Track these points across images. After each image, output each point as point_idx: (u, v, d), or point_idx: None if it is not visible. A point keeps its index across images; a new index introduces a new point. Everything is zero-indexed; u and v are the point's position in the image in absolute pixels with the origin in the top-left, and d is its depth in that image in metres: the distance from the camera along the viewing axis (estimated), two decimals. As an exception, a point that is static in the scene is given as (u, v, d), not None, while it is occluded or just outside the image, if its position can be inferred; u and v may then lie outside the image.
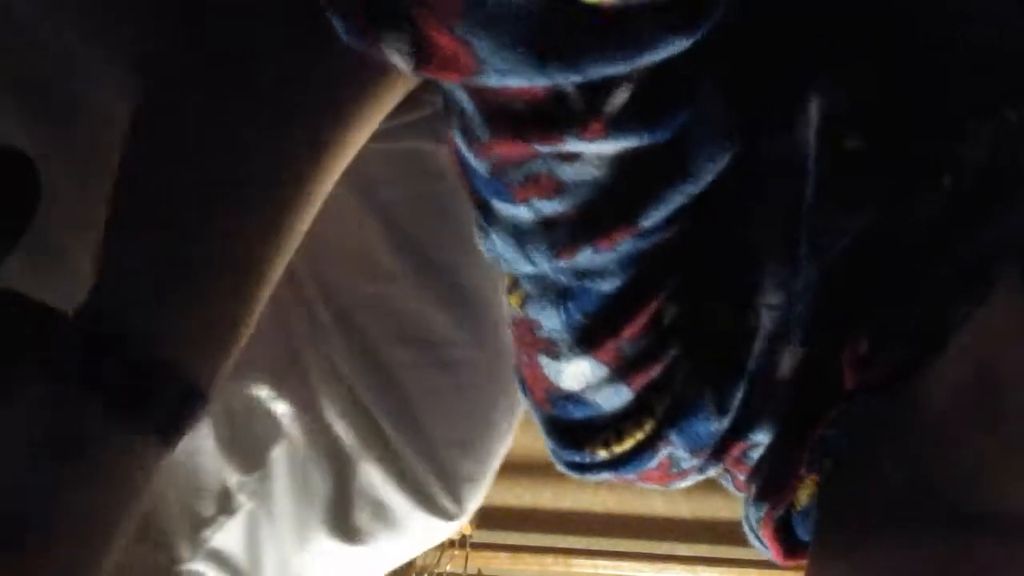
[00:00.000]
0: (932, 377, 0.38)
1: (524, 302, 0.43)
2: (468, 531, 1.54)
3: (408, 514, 0.58)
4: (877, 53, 0.38)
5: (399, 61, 0.34)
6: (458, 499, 0.59)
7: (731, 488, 0.49)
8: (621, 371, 0.42)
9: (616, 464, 0.45)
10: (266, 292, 0.41)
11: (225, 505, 0.53)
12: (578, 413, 0.45)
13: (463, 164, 0.40)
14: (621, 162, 0.37)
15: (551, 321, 0.42)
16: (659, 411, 0.44)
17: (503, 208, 0.39)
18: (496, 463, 0.61)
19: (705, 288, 0.42)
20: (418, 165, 0.52)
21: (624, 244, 0.39)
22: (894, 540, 0.36)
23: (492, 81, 0.33)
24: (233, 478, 0.54)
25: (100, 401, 0.36)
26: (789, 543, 0.44)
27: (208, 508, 0.53)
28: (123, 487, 0.37)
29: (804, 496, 0.42)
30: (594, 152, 0.36)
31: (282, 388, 0.55)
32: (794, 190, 0.39)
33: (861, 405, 0.40)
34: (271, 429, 0.55)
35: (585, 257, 0.39)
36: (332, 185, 0.42)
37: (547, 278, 0.41)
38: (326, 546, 0.58)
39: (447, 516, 0.59)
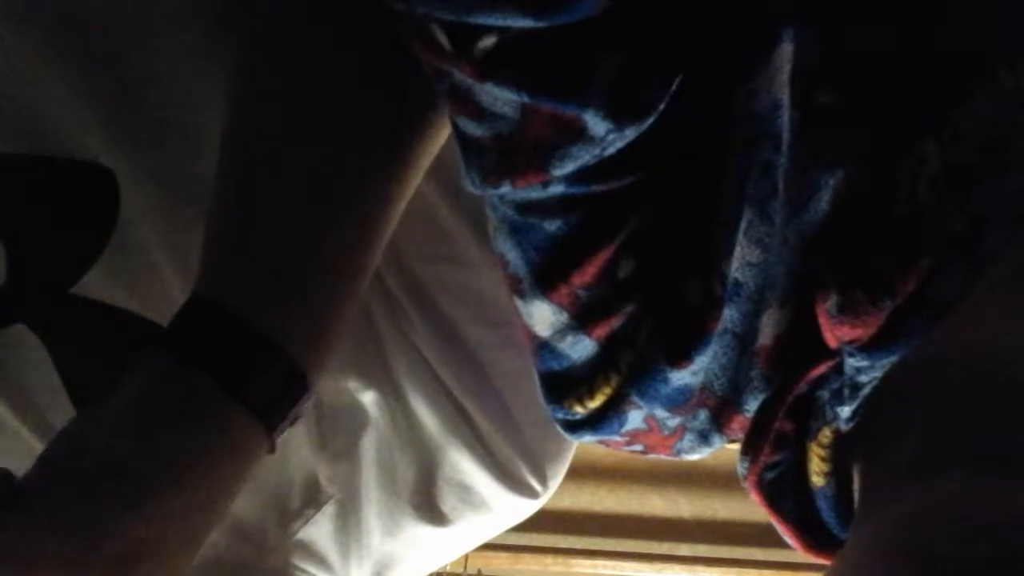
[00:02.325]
0: (945, 345, 0.37)
1: (494, 234, 0.44)
2: (468, 531, 1.53)
3: (495, 495, 0.59)
4: (859, 4, 0.37)
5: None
6: (543, 477, 0.60)
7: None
8: (580, 318, 0.43)
9: (593, 423, 0.46)
10: (361, 291, 0.44)
11: (313, 498, 0.54)
12: (555, 363, 0.46)
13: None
14: (525, 112, 0.37)
15: (512, 255, 0.43)
16: (623, 367, 0.44)
17: (456, 121, 0.40)
18: None
19: (671, 246, 0.43)
20: None
21: (553, 187, 0.39)
22: (917, 495, 0.36)
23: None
24: (321, 469, 0.54)
25: (208, 375, 0.39)
26: (804, 522, 0.44)
27: (295, 501, 0.54)
28: (233, 460, 0.39)
29: (816, 471, 0.42)
30: (488, 92, 0.37)
31: (369, 378, 0.56)
32: (769, 144, 0.39)
33: (855, 368, 0.39)
34: (359, 419, 0.56)
35: (507, 190, 0.40)
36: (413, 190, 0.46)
37: (501, 210, 0.42)
38: (415, 531, 0.58)
39: (533, 494, 0.60)
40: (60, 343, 0.45)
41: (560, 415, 0.47)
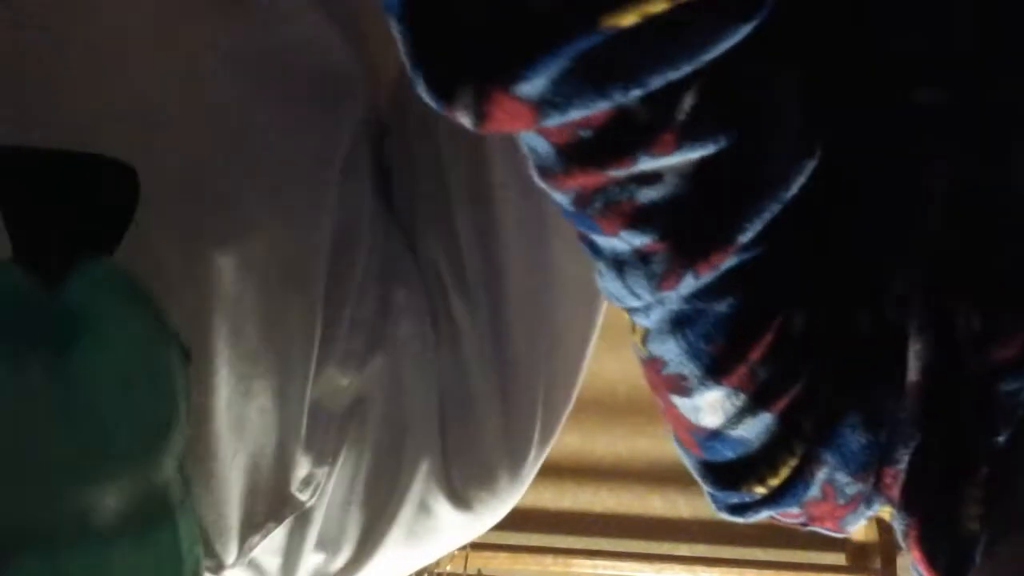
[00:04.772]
0: None
1: (644, 339, 0.40)
2: (468, 531, 1.53)
3: (448, 519, 0.59)
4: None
5: (465, 120, 0.33)
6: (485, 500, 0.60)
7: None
8: (759, 396, 0.39)
9: (775, 498, 0.42)
10: None
11: (276, 511, 0.52)
12: (728, 452, 0.42)
13: (553, 202, 0.38)
14: (700, 176, 0.34)
15: (673, 353, 0.39)
16: (808, 429, 0.40)
17: (600, 241, 0.37)
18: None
19: (836, 292, 0.40)
20: None
21: (725, 263, 0.36)
22: None
23: (554, 121, 0.32)
24: (299, 473, 0.52)
25: None
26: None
27: (260, 511, 0.51)
28: None
29: (971, 515, 0.38)
30: (670, 167, 0.34)
31: (367, 379, 0.56)
32: (910, 173, 0.37)
33: (1007, 393, 0.36)
34: (350, 421, 0.55)
35: (688, 285, 0.37)
36: None
37: (660, 308, 0.39)
38: (352, 547, 0.57)
39: (473, 512, 0.60)
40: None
41: (732, 499, 0.43)
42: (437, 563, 1.61)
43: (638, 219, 0.35)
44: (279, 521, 0.52)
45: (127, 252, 0.44)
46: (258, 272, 0.48)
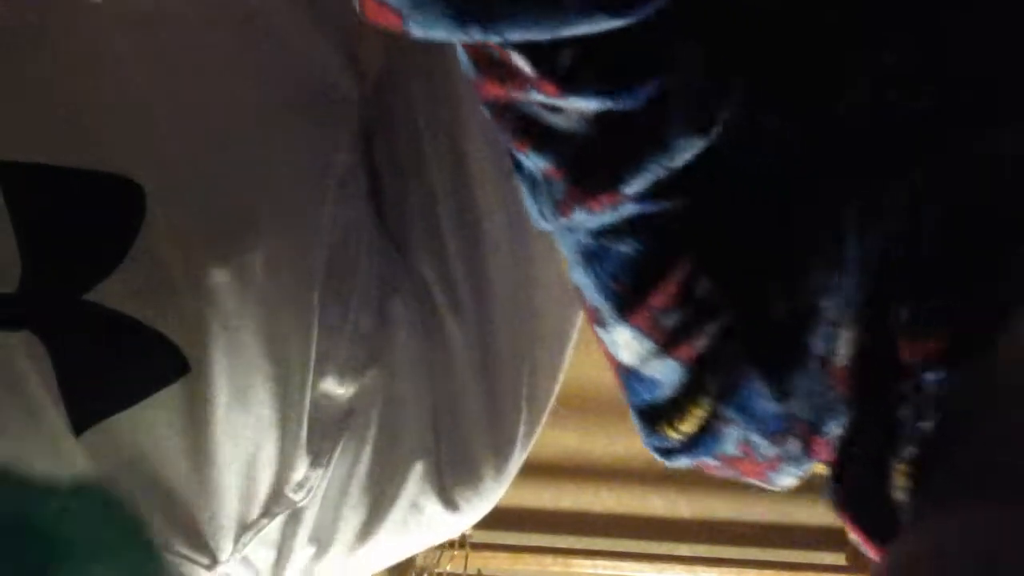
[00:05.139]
0: (1009, 353, 0.36)
1: (570, 268, 0.44)
2: (468, 531, 1.54)
3: (438, 518, 0.61)
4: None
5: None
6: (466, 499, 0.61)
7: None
8: (665, 343, 0.43)
9: (689, 447, 0.45)
10: None
11: (269, 509, 0.52)
12: (645, 392, 0.45)
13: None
14: (599, 123, 0.37)
15: (587, 285, 0.43)
16: (713, 389, 0.44)
17: (520, 158, 0.40)
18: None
19: (749, 266, 0.42)
20: None
21: (624, 208, 0.39)
22: (983, 505, 0.34)
23: (417, 34, 0.35)
24: (293, 476, 0.53)
25: None
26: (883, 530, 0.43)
27: (255, 511, 0.52)
28: None
29: (899, 487, 0.41)
30: (567, 107, 0.37)
31: (363, 382, 0.56)
32: (842, 162, 0.39)
33: (934, 383, 0.38)
34: (348, 422, 0.56)
35: (582, 217, 0.39)
36: None
37: (574, 239, 0.42)
38: (344, 550, 0.58)
39: (456, 509, 0.61)
40: (63, 349, 0.45)
41: (655, 443, 0.47)
42: (437, 563, 1.62)
43: (542, 142, 0.38)
44: (272, 518, 0.53)
45: (132, 261, 0.45)
46: (258, 285, 0.49)
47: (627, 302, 0.42)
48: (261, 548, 0.53)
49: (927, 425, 0.39)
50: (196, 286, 0.47)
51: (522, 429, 0.62)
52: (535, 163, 0.39)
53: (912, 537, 0.37)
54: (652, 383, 0.45)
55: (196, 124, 0.48)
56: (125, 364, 0.45)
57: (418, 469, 0.57)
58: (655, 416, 0.45)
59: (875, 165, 0.38)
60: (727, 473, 0.48)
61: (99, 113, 0.46)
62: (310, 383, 0.52)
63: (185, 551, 0.47)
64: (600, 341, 0.45)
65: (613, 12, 0.33)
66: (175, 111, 0.48)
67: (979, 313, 0.37)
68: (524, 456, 0.63)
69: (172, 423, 0.46)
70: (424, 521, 0.59)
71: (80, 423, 0.45)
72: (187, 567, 0.48)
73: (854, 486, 0.42)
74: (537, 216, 0.42)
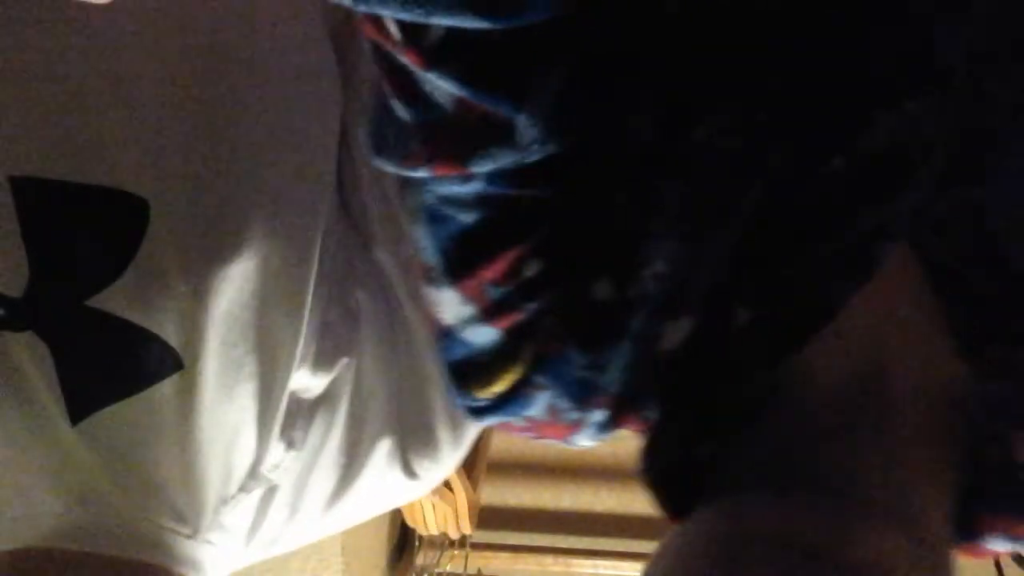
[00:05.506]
0: (816, 355, 0.39)
1: (411, 222, 0.45)
2: (468, 531, 1.54)
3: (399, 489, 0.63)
4: (782, 47, 0.40)
5: None
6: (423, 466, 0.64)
7: None
8: (485, 311, 0.45)
9: (498, 406, 0.48)
10: None
11: (246, 484, 0.55)
12: (457, 351, 0.47)
13: None
14: (458, 105, 0.39)
15: (427, 243, 0.45)
16: (526, 357, 0.46)
17: (392, 103, 0.42)
18: None
19: (584, 251, 0.44)
20: None
21: (473, 184, 0.41)
22: (755, 499, 0.39)
23: None
24: (269, 458, 0.55)
25: None
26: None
27: (232, 488, 0.55)
28: None
29: (702, 456, 0.44)
30: (432, 82, 0.38)
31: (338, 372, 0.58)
32: (687, 164, 0.41)
33: (748, 378, 0.41)
34: (323, 410, 0.58)
35: (425, 175, 0.41)
36: None
37: (421, 199, 0.44)
38: (314, 518, 0.61)
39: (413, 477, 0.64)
40: (64, 348, 0.47)
41: (465, 402, 0.49)
42: (437, 563, 1.62)
43: (408, 97, 0.40)
44: (248, 492, 0.56)
45: (133, 270, 0.48)
46: (252, 290, 0.52)
47: (459, 269, 0.44)
48: (238, 516, 0.56)
49: (736, 412, 0.42)
50: (193, 292, 0.49)
51: None
52: (400, 112, 0.41)
53: (703, 517, 0.40)
54: (466, 343, 0.47)
55: (200, 140, 0.50)
56: (122, 362, 0.47)
57: (384, 446, 0.60)
58: (468, 376, 0.47)
59: (735, 178, 0.40)
60: (528, 434, 0.50)
61: (109, 133, 0.48)
62: (290, 380, 0.54)
63: (171, 524, 0.51)
64: (428, 308, 0.47)
65: (482, 14, 0.35)
66: (181, 130, 0.50)
67: (803, 321, 0.39)
68: (479, 427, 0.65)
69: (163, 413, 0.49)
70: (386, 488, 0.62)
71: (77, 413, 0.47)
72: (171, 536, 0.51)
73: (663, 463, 0.45)
74: (382, 158, 0.43)
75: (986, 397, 0.40)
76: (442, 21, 0.35)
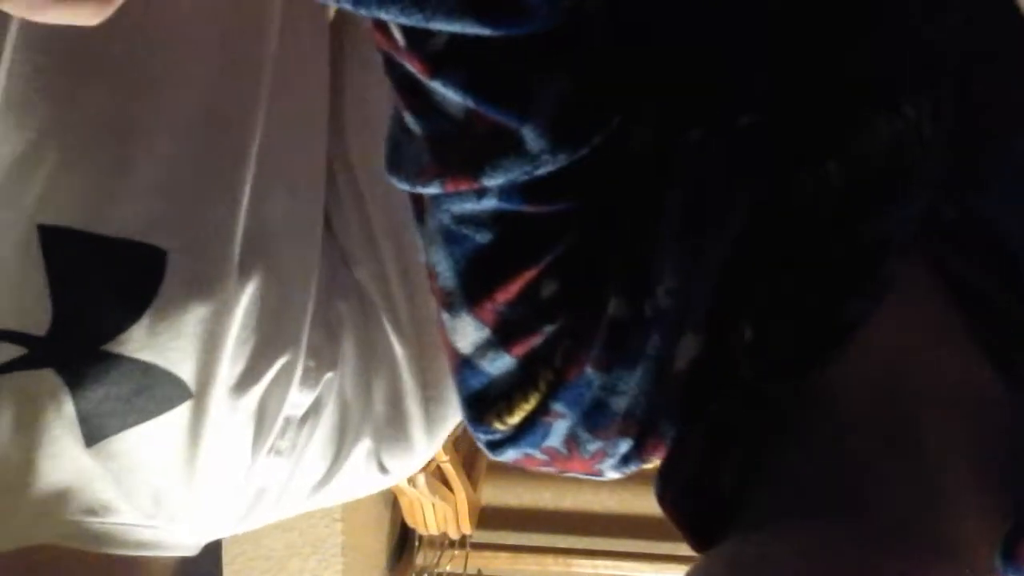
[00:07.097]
0: (841, 375, 0.39)
1: (427, 247, 0.45)
2: (468, 531, 1.54)
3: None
4: (782, 50, 0.39)
5: None
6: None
7: None
8: (501, 335, 0.44)
9: (516, 438, 0.47)
10: None
11: (239, 488, 0.59)
12: (475, 382, 0.46)
13: None
14: (467, 114, 0.39)
15: (443, 266, 0.44)
16: (543, 385, 0.45)
17: (405, 115, 0.41)
18: None
19: (600, 270, 0.44)
20: None
21: (487, 201, 0.41)
22: (799, 525, 0.38)
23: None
24: (256, 468, 0.59)
25: None
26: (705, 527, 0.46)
27: (228, 492, 0.58)
28: None
29: (726, 488, 0.44)
30: (438, 91, 0.38)
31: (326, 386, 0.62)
32: (693, 174, 0.41)
33: (761, 398, 0.41)
34: (310, 423, 0.62)
35: (437, 191, 0.41)
36: None
37: (438, 220, 0.43)
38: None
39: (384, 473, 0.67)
40: (80, 386, 0.50)
41: (482, 434, 0.48)
42: (437, 563, 1.62)
43: (419, 107, 0.40)
44: (240, 492, 0.60)
45: (149, 315, 0.52)
46: (255, 325, 0.56)
47: (476, 292, 0.43)
48: (230, 510, 0.60)
49: (755, 434, 0.41)
50: (204, 332, 0.53)
51: (452, 409, 0.66)
52: (412, 125, 0.41)
53: (745, 542, 0.40)
54: (482, 373, 0.46)
55: (211, 191, 0.54)
56: (136, 396, 0.51)
57: (362, 450, 0.64)
58: (483, 407, 0.47)
59: (727, 183, 0.40)
60: (551, 469, 0.49)
61: (132, 183, 0.51)
62: (286, 402, 0.59)
63: (171, 526, 0.54)
64: (441, 326, 0.47)
65: (483, 20, 0.34)
66: (196, 184, 0.54)
67: (816, 338, 0.39)
68: (454, 424, 0.68)
69: (172, 437, 0.52)
70: (361, 483, 0.66)
71: (92, 436, 0.50)
72: (170, 535, 0.54)
73: (683, 484, 0.45)
74: (396, 174, 0.43)
75: (1021, 407, 0.38)
76: (443, 27, 0.35)
